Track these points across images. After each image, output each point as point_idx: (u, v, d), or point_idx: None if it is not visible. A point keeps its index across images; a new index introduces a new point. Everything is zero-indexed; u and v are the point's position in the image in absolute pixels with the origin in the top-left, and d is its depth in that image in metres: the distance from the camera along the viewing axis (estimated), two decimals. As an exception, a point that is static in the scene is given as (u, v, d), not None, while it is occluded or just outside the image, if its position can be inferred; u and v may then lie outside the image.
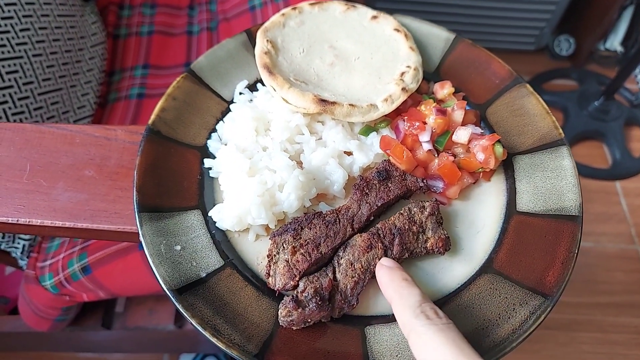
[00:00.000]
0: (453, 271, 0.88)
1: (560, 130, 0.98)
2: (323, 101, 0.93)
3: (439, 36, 1.12)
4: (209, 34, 2.19)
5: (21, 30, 1.64)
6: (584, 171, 2.96)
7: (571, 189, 0.92)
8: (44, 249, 1.75)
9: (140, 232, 0.83)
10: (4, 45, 1.58)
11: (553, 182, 0.94)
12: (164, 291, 0.78)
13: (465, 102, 0.99)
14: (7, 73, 1.60)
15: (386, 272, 0.80)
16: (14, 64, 1.62)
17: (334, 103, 0.93)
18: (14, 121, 1.60)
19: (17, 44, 1.63)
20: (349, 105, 0.94)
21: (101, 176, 1.00)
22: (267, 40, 1.03)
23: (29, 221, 0.95)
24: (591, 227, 2.75)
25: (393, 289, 0.76)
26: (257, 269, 0.87)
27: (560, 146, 0.96)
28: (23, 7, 1.66)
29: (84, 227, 0.95)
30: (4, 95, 1.59)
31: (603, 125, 3.06)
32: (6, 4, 1.59)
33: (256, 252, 0.88)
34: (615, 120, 3.06)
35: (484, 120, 1.04)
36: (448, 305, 0.83)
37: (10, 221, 0.95)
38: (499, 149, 0.94)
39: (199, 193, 0.93)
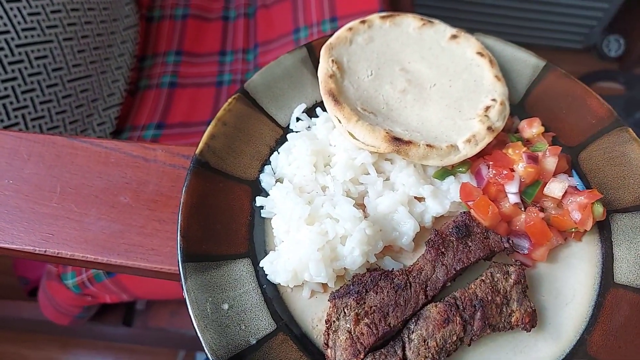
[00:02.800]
0: (538, 352, 0.76)
1: (671, 188, 0.84)
2: (397, 140, 0.80)
3: (526, 62, 0.98)
4: (246, 21, 2.06)
5: (52, 12, 1.53)
6: None
7: (683, 262, 0.78)
8: None
9: (184, 287, 0.72)
10: (34, 29, 1.47)
11: (660, 250, 0.80)
12: (209, 361, 0.68)
13: (560, 147, 0.85)
14: (36, 58, 1.49)
15: None
16: (44, 49, 1.51)
17: (409, 143, 0.80)
18: (41, 110, 1.52)
19: (48, 27, 1.52)
20: (426, 145, 0.81)
21: (138, 204, 0.90)
22: (332, 60, 0.89)
23: (57, 252, 0.86)
24: None
25: None
26: (312, 333, 0.75)
27: (668, 207, 0.83)
28: None
29: (118, 264, 0.85)
30: (32, 83, 1.49)
31: None
32: None
33: (311, 312, 0.77)
34: None
35: (575, 166, 0.90)
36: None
37: (37, 251, 0.86)
38: (599, 209, 0.80)
39: (249, 237, 0.81)
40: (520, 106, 0.96)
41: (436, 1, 2.92)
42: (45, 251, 0.86)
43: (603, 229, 0.84)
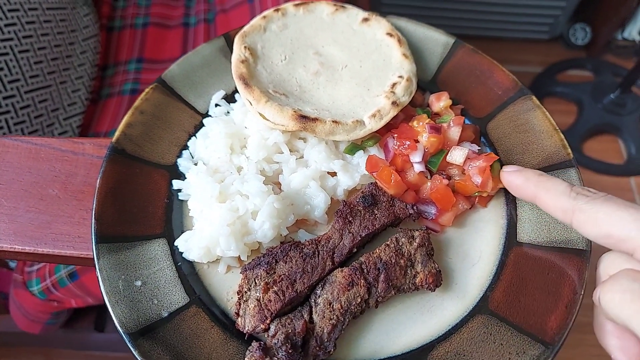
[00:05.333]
0: (444, 310, 0.79)
1: (569, 150, 0.88)
2: (303, 117, 0.84)
3: (436, 40, 1.02)
4: (206, 26, 2.09)
5: (6, 25, 1.55)
6: (597, 167, 2.83)
7: (579, 218, 0.82)
8: None
9: (96, 266, 0.75)
10: None
11: (559, 209, 0.84)
12: (120, 334, 0.71)
13: (463, 117, 0.89)
14: None
15: (516, 175, 0.76)
16: None
17: (315, 120, 0.84)
18: None
19: (2, 40, 1.54)
20: (333, 122, 0.84)
21: (66, 195, 0.93)
22: (245, 47, 0.93)
23: None
24: None
25: (533, 185, 0.72)
26: (227, 305, 0.79)
27: (568, 168, 0.86)
28: (9, 0, 1.56)
29: (45, 252, 0.88)
30: None
31: (618, 119, 2.91)
32: None
33: (227, 286, 0.80)
34: (631, 114, 2.91)
35: (484, 136, 0.94)
36: (436, 350, 0.74)
37: None
38: (497, 170, 0.84)
39: (166, 219, 0.84)
40: (432, 82, 1.00)
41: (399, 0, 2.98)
42: None
43: (508, 193, 0.88)
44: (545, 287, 0.77)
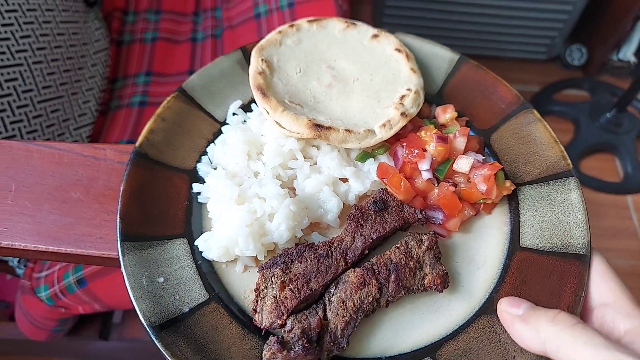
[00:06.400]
0: (451, 311, 0.83)
1: (569, 161, 0.93)
2: (318, 126, 0.89)
3: (442, 57, 1.07)
4: (213, 41, 2.16)
5: (22, 37, 1.61)
6: (594, 184, 2.89)
7: (579, 225, 0.86)
8: (41, 260, 1.71)
9: (122, 263, 0.79)
10: (3, 53, 1.55)
11: (560, 216, 0.88)
12: (144, 327, 0.74)
13: (468, 128, 0.94)
14: (6, 81, 1.56)
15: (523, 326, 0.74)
16: (14, 72, 1.58)
17: (329, 128, 0.89)
18: (12, 129, 1.58)
19: (17, 51, 1.60)
20: (345, 130, 0.89)
21: (88, 198, 0.96)
22: (262, 60, 0.98)
23: (11, 244, 0.91)
24: (600, 242, 2.65)
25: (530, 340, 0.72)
26: (244, 303, 0.82)
27: (568, 178, 0.91)
28: (24, 13, 1.62)
29: (68, 252, 0.91)
30: (2, 104, 1.56)
31: (615, 138, 2.99)
32: (7, 11, 1.56)
33: (244, 284, 0.84)
34: (627, 133, 2.99)
35: (488, 147, 0.99)
36: (444, 348, 0.78)
37: None
38: (501, 178, 0.89)
39: (186, 220, 0.88)
40: (438, 96, 1.05)
41: (401, 18, 3.06)
42: (0, 243, 0.91)
43: (512, 200, 0.93)
44: (548, 289, 0.81)
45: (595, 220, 2.73)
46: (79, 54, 1.88)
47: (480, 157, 0.93)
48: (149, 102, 2.02)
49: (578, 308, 0.78)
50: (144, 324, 0.74)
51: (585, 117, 3.06)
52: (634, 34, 3.17)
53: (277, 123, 0.91)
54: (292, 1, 1.93)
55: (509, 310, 0.77)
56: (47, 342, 2.02)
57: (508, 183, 0.90)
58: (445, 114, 0.99)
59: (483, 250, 0.89)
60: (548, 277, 0.83)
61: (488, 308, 0.82)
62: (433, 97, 1.05)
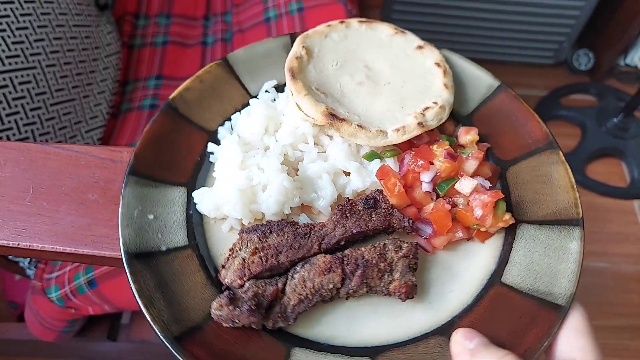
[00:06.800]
0: (410, 322, 0.82)
1: (580, 210, 0.88)
2: (332, 115, 0.92)
3: (482, 80, 1.06)
4: (223, 45, 2.16)
5: (36, 40, 1.63)
6: (600, 189, 2.89)
7: (568, 276, 0.82)
8: (51, 261, 1.71)
9: (122, 193, 0.87)
10: (18, 56, 1.57)
11: (551, 262, 0.85)
12: (121, 253, 0.81)
13: (483, 153, 0.93)
14: (20, 84, 1.59)
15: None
16: (27, 75, 1.60)
17: (342, 120, 0.92)
18: (25, 131, 1.62)
19: (31, 55, 1.61)
20: (358, 125, 0.92)
21: (105, 200, 0.97)
22: (304, 47, 1.03)
23: (29, 245, 0.92)
24: (607, 247, 2.68)
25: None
26: (218, 259, 0.87)
27: (574, 227, 0.87)
28: (38, 17, 1.63)
29: (85, 253, 0.92)
30: (16, 106, 1.58)
31: (622, 143, 2.99)
32: (22, 15, 1.58)
33: (224, 243, 0.89)
34: (634, 138, 2.99)
35: (502, 178, 0.97)
36: (386, 354, 0.78)
37: (10, 244, 0.93)
38: (501, 209, 0.87)
39: (192, 174, 0.95)
40: (469, 117, 1.04)
41: (408, 23, 3.05)
42: (18, 244, 0.92)
43: (509, 235, 0.90)
44: (513, 328, 0.78)
45: (602, 225, 2.76)
46: (91, 57, 1.90)
47: (487, 184, 0.91)
48: (159, 105, 1.97)
49: (535, 355, 0.74)
50: (122, 249, 0.81)
51: (592, 122, 3.06)
52: (642, 39, 3.14)
53: (298, 105, 0.95)
54: (301, 6, 1.95)
55: (461, 342, 0.76)
56: (55, 343, 2.00)
57: (507, 216, 0.87)
58: (467, 135, 0.98)
59: (463, 275, 0.87)
60: (517, 318, 0.80)
61: (446, 330, 0.80)
62: (463, 118, 1.04)
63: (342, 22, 1.10)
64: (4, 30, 1.53)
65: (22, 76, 1.58)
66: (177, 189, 0.92)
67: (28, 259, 1.66)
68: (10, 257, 1.62)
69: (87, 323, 1.99)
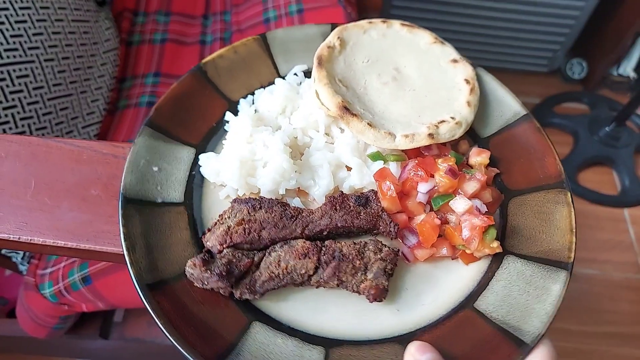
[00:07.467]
0: (372, 322, 0.83)
1: (572, 255, 0.86)
2: (345, 109, 0.93)
3: (509, 106, 1.04)
4: (222, 44, 2.13)
5: (34, 34, 1.62)
6: (591, 197, 2.92)
7: (541, 316, 0.80)
8: (45, 257, 1.69)
9: (135, 141, 0.93)
10: (16, 49, 1.56)
11: (529, 299, 0.83)
12: (120, 193, 0.87)
13: (487, 177, 0.91)
14: (18, 77, 1.58)
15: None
16: (25, 68, 1.59)
17: (354, 115, 0.93)
18: (22, 125, 1.61)
19: (30, 48, 1.60)
20: (367, 124, 0.93)
21: (107, 196, 0.97)
22: (339, 38, 1.05)
23: (30, 239, 0.92)
24: (597, 255, 2.71)
25: None
26: (207, 221, 0.91)
27: (561, 270, 0.85)
28: (37, 11, 1.61)
29: (87, 249, 0.92)
30: (13, 100, 1.57)
31: (613, 152, 3.03)
32: (21, 8, 1.56)
33: (218, 208, 0.93)
34: (625, 147, 3.03)
35: (503, 206, 0.95)
36: (341, 349, 0.80)
37: (11, 238, 0.93)
38: (490, 236, 0.86)
39: (205, 137, 1.00)
40: (486, 140, 1.03)
41: (408, 13, 3.02)
42: (19, 238, 0.92)
43: (493, 264, 0.89)
44: (472, 355, 0.78)
45: (592, 233, 2.80)
46: (89, 53, 1.88)
47: (484, 207, 0.90)
48: (156, 102, 1.98)
49: (483, 385, 0.74)
50: (121, 191, 0.87)
51: (585, 130, 3.10)
52: (634, 50, 3.22)
53: (316, 93, 0.98)
54: (301, 8, 1.93)
55: (414, 354, 0.76)
56: (47, 340, 1.99)
57: (495, 244, 0.86)
58: (478, 157, 0.97)
59: (438, 291, 0.87)
60: (478, 345, 0.79)
61: (405, 340, 0.81)
62: (481, 139, 1.03)
63: (384, 22, 1.10)
64: (3, 23, 1.52)
65: (20, 70, 1.56)
66: (186, 148, 0.97)
67: (21, 254, 1.65)
68: (3, 251, 1.61)
69: (79, 320, 1.97)
